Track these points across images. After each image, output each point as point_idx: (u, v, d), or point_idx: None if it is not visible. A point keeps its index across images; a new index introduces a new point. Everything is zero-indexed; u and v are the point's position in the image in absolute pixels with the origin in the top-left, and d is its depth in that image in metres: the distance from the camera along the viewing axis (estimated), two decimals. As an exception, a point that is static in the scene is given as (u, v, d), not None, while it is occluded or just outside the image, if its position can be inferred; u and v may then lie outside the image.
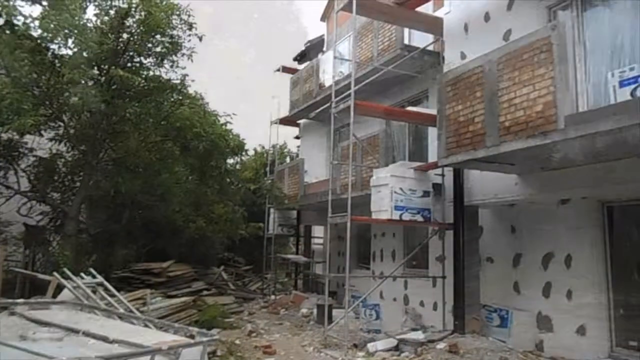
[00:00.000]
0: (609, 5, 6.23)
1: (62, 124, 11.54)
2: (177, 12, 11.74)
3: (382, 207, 7.95)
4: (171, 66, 12.35)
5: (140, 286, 10.96)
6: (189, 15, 11.90)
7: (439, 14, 9.16)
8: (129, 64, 11.51)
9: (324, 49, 15.83)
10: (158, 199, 12.90)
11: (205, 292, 12.49)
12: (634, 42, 5.85)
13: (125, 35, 11.28)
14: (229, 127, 12.83)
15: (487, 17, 7.78)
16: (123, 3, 11.21)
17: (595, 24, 6.40)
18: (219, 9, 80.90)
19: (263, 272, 16.21)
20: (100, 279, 8.16)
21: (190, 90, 12.98)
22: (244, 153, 15.03)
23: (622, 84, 4.95)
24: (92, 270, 8.44)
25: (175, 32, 11.85)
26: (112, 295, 7.75)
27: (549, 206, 7.07)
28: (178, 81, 12.35)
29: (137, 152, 11.80)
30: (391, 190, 7.86)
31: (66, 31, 10.10)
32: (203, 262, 15.02)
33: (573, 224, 6.75)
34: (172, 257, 13.16)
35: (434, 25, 9.17)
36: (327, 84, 12.61)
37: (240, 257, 18.58)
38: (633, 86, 4.85)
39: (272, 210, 15.41)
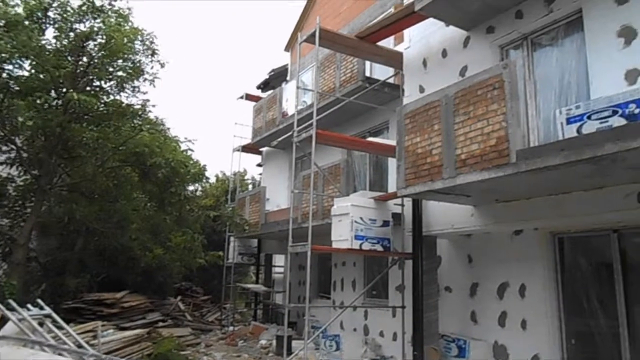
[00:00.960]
0: (556, 47, 6.59)
1: (14, 147, 11.15)
2: (141, 38, 11.69)
3: (343, 237, 7.97)
4: (132, 91, 12.22)
5: (91, 318, 10.51)
6: (152, 42, 11.86)
7: (399, 48, 9.45)
8: (88, 88, 11.30)
9: (288, 78, 16.02)
10: (114, 226, 12.53)
11: (160, 324, 12.09)
12: (579, 82, 6.19)
13: (85, 59, 11.11)
14: (190, 153, 12.70)
15: (444, 54, 8.08)
16: (85, 26, 11.08)
17: (544, 64, 6.75)
18: (185, 35, 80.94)
19: (222, 302, 15.84)
20: (48, 310, 7.78)
21: (152, 116, 12.85)
22: (205, 180, 14.87)
23: (569, 121, 5.18)
24: (39, 301, 8.04)
25: (137, 58, 11.76)
26: (61, 328, 7.40)
27: (503, 237, 7.27)
28: (139, 106, 12.22)
29: (93, 177, 11.50)
30: (352, 219, 7.91)
31: (23, 53, 9.88)
32: (160, 292, 14.57)
33: (526, 254, 6.94)
34: (127, 287, 12.72)
35: (394, 59, 9.45)
36: (290, 113, 12.72)
37: (199, 287, 18.13)
38: (579, 123, 5.09)
39: (232, 238, 15.18)
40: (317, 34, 8.87)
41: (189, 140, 12.61)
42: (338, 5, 14.02)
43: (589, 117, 5.01)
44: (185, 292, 17.06)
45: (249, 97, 16.77)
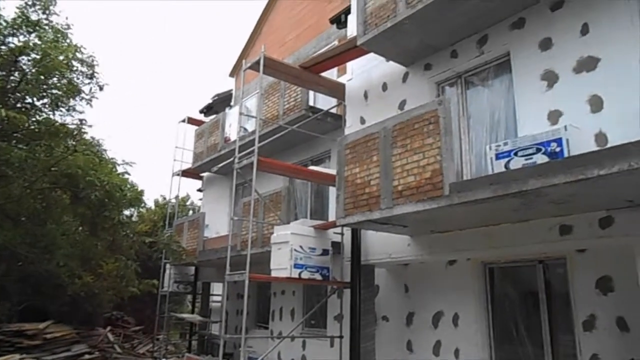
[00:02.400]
0: (488, 86, 6.99)
1: None
2: (79, 56, 11.33)
3: (282, 265, 7.90)
4: (67, 110, 11.76)
5: (10, 350, 9.77)
6: (93, 61, 11.52)
7: (342, 80, 9.68)
8: (18, 105, 10.76)
9: (232, 103, 15.96)
10: (41, 251, 11.81)
11: (87, 357, 11.42)
12: (508, 120, 6.57)
13: (17, 74, 10.61)
14: (127, 177, 12.29)
15: (385, 87, 8.35)
16: (19, 41, 10.62)
17: (477, 101, 7.12)
18: (130, 57, 79.13)
19: (155, 333, 15.16)
20: (-43, 343, 7.14)
21: (88, 136, 12.37)
22: (142, 205, 14.39)
23: (498, 157, 5.48)
24: (-51, 333, 7.38)
25: (74, 76, 11.37)
26: (-29, 363, 6.79)
27: (438, 266, 7.46)
28: (74, 126, 11.74)
29: (20, 199, 10.83)
30: (291, 247, 7.86)
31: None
32: (88, 322, 13.79)
33: (460, 283, 7.15)
34: (52, 317, 11.95)
35: (337, 90, 9.66)
36: (232, 138, 12.63)
37: (131, 317, 17.30)
38: (507, 159, 5.39)
39: (168, 265, 14.67)
40: (261, 62, 8.93)
41: (127, 163, 12.22)
42: (284, 35, 14.25)
43: (515, 154, 5.33)
44: (115, 322, 16.23)
45: (191, 121, 16.52)
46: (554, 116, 5.80)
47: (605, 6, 5.61)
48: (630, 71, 5.17)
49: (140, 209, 16.27)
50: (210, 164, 13.90)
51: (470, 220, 6.01)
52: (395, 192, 5.87)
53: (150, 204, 21.46)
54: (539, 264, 6.39)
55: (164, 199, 21.23)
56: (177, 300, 18.92)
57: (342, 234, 8.42)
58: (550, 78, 5.96)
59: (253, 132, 9.76)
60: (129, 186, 12.28)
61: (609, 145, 5.06)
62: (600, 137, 5.30)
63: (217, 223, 14.02)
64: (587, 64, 5.64)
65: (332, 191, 9.13)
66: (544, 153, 5.12)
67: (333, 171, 8.00)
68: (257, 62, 9.05)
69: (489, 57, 6.85)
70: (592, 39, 5.66)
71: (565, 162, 4.48)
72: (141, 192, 14.00)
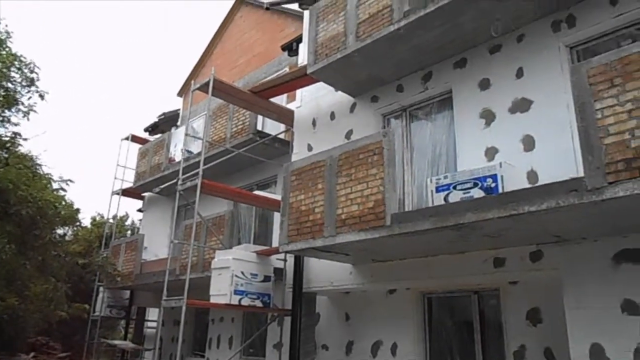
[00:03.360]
0: (430, 120, 7.26)
1: None
2: (18, 65, 10.82)
3: (222, 291, 7.72)
4: (1, 121, 11.13)
5: None
6: (32, 71, 11.04)
7: (291, 106, 9.76)
8: (-55, 114, 10.09)
9: (178, 123, 15.68)
10: (-42, 270, 10.94)
11: (5, 385, 10.56)
12: (448, 154, 6.83)
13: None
14: (63, 193, 11.69)
15: (333, 116, 8.49)
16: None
17: (420, 134, 7.37)
18: (72, 70, 76.41)
19: (83, 360, 14.29)
20: None
21: (23, 150, 11.73)
22: (77, 224, 13.71)
23: (438, 190, 5.67)
24: None
25: (11, 86, 10.83)
26: None
27: (379, 295, 7.53)
28: (7, 138, 11.11)
29: (-61, 214, 10.05)
30: (232, 273, 7.72)
31: None
32: (8, 347, 12.82)
33: (399, 313, 7.23)
34: (-34, 342, 11.02)
35: (285, 116, 9.72)
36: (177, 159, 12.37)
37: (58, 342, 16.25)
38: (446, 192, 5.59)
39: (102, 289, 13.97)
40: (211, 84, 8.88)
41: (64, 180, 11.66)
42: (235, 58, 14.26)
43: (454, 187, 5.52)
44: (40, 347, 15.19)
45: (135, 138, 16.07)
46: (491, 153, 6.09)
47: (538, 53, 6.01)
48: (559, 114, 5.54)
49: (75, 228, 15.46)
50: (153, 184, 13.53)
51: (410, 250, 6.14)
52: (338, 221, 5.92)
53: (87, 223, 20.50)
54: (474, 295, 6.59)
55: (102, 217, 20.34)
56: (109, 325, 17.98)
57: (285, 260, 8.36)
58: (488, 116, 6.28)
59: (199, 154, 9.62)
60: (64, 203, 11.68)
61: (539, 183, 5.35)
62: (532, 175, 5.60)
63: (157, 245, 13.56)
64: (522, 105, 5.99)
65: (277, 217, 9.09)
66: (480, 188, 5.34)
67: (278, 197, 7.99)
68: (207, 84, 8.99)
69: (433, 93, 7.14)
70: (526, 83, 6.03)
71: (499, 197, 4.69)
72: (77, 210, 13.35)
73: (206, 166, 8.72)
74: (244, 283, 7.83)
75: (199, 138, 10.71)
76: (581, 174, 4.15)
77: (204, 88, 9.16)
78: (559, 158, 5.40)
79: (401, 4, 6.59)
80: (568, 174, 4.90)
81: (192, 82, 10.50)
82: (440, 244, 5.68)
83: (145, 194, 15.59)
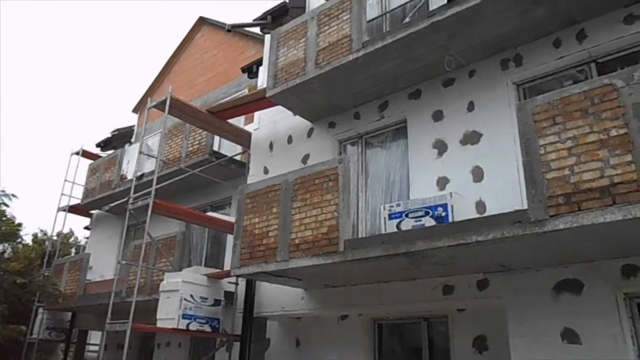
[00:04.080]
0: (386, 148, 7.41)
1: None
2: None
3: (169, 315, 7.49)
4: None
5: None
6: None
7: (249, 128, 9.74)
8: None
9: (132, 140, 15.33)
10: None
11: None
12: (402, 182, 6.97)
13: None
14: (4, 208, 11.14)
15: (290, 140, 8.53)
16: None
17: (375, 161, 7.50)
18: (23, 80, 73.63)
19: (16, 386, 13.41)
20: None
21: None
22: (18, 240, 13.05)
23: (390, 217, 5.77)
24: None
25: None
26: None
27: (330, 321, 7.49)
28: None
29: None
30: (181, 296, 7.52)
31: None
32: None
33: (350, 339, 7.20)
34: None
35: (243, 138, 9.69)
36: (129, 177, 12.05)
37: (-12, 367, 15.20)
38: (399, 220, 5.69)
39: (41, 310, 13.25)
40: (167, 102, 8.77)
41: (6, 195, 11.12)
42: (194, 77, 14.16)
43: (406, 215, 5.63)
44: (-32, 373, 14.15)
45: (85, 154, 15.52)
46: (442, 182, 6.27)
47: (488, 89, 6.29)
48: (507, 148, 5.77)
49: (15, 245, 14.67)
50: (102, 202, 13.08)
51: (362, 276, 6.18)
52: (292, 245, 5.90)
53: (29, 239, 19.49)
54: (424, 322, 6.67)
55: (45, 234, 19.40)
56: (48, 349, 16.98)
57: (236, 284, 8.23)
58: (441, 147, 6.48)
59: (152, 172, 9.42)
60: (4, 219, 11.12)
61: (487, 214, 5.54)
62: (480, 205, 5.79)
63: (103, 266, 13.04)
64: (472, 138, 6.22)
65: (230, 239, 8.96)
66: (431, 216, 5.48)
67: (232, 219, 7.90)
68: (163, 102, 8.87)
69: (388, 121, 7.32)
70: (477, 116, 6.29)
71: (449, 227, 4.82)
72: (18, 226, 12.73)
73: (159, 185, 8.54)
74: (193, 307, 7.63)
75: (153, 156, 10.49)
76: (526, 206, 4.32)
77: (160, 106, 9.02)
78: (506, 190, 5.61)
79: (360, 35, 6.77)
80: (514, 205, 5.11)
81: (149, 99, 10.33)
82: (392, 270, 5.75)
83: (94, 212, 15.03)
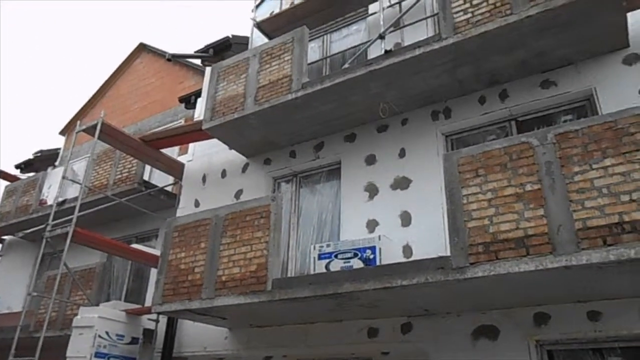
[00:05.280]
0: (319, 188, 7.50)
1: None
2: None
3: (81, 353, 6.96)
4: None
5: None
6: None
7: (182, 159, 9.55)
8: None
9: (57, 163, 14.53)
10: None
11: None
12: (333, 222, 7.04)
13: None
14: None
15: (224, 174, 8.43)
16: None
17: (308, 200, 7.55)
18: (-64, 88, 68.37)
19: None
20: None
21: None
22: None
23: (320, 257, 5.78)
24: None
25: None
26: None
27: (254, 362, 7.29)
28: None
29: None
30: (95, 333, 7.04)
31: None
32: None
33: (272, 381, 7.02)
34: None
35: (175, 169, 9.45)
36: (49, 202, 11.34)
37: None
38: (328, 260, 5.71)
39: None
40: (98, 126, 8.44)
41: None
42: (129, 103, 13.77)
43: (336, 256, 5.67)
44: None
45: (2, 175, 14.51)
46: (372, 225, 6.39)
47: (419, 137, 6.58)
48: (434, 195, 6.01)
49: None
50: (17, 227, 12.19)
51: (289, 316, 6.09)
52: (218, 282, 5.75)
53: None
54: (349, 364, 6.63)
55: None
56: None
57: (157, 321, 7.82)
58: (372, 190, 6.64)
59: (75, 199, 8.93)
60: None
61: (413, 258, 5.69)
62: (407, 249, 5.95)
63: (12, 297, 12.02)
64: (402, 183, 6.43)
65: (154, 273, 8.59)
66: (360, 258, 5.54)
67: (157, 252, 7.60)
68: (94, 126, 8.53)
69: (323, 162, 7.44)
70: (408, 163, 6.53)
71: (376, 270, 4.90)
72: None
73: (82, 213, 8.10)
74: (108, 345, 7.16)
75: (78, 182, 9.98)
76: (449, 252, 4.49)
77: (90, 130, 8.66)
78: (431, 235, 5.80)
79: (300, 76, 6.92)
80: (438, 251, 5.30)
81: (79, 122, 9.90)
82: (319, 311, 5.72)
83: (6, 237, 13.94)
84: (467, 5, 5.73)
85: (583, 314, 4.69)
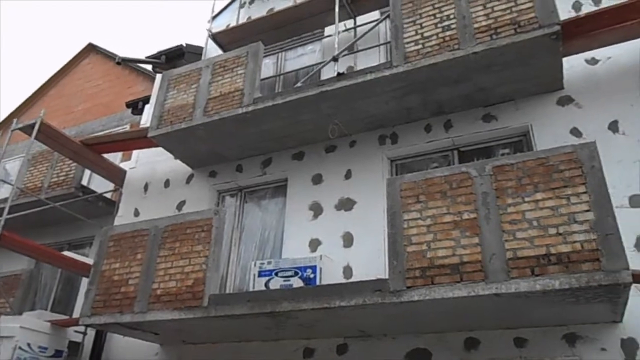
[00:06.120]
0: (264, 204, 7.45)
1: None
2: None
3: (-3, 366, 6.52)
4: None
5: None
6: None
7: (124, 165, 9.24)
8: None
9: (-13, 161, 13.68)
10: None
11: None
12: (276, 239, 7.00)
13: None
14: None
15: (167, 184, 8.23)
16: None
17: (252, 216, 7.48)
18: None
19: None
20: None
21: None
22: None
23: (260, 274, 5.71)
24: None
25: None
26: None
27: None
28: None
29: None
30: (16, 344, 6.60)
31: None
32: None
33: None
34: None
35: (116, 175, 9.12)
36: (-25, 202, 10.63)
37: None
38: (268, 278, 5.65)
39: None
40: (36, 126, 8.05)
41: None
42: (73, 104, 13.23)
43: (276, 274, 5.63)
44: None
45: None
46: (314, 244, 6.40)
47: (366, 160, 6.70)
48: (377, 218, 6.09)
49: None
50: None
51: (224, 334, 5.96)
52: (153, 296, 5.56)
53: None
54: (283, 384, 6.54)
55: None
56: None
57: (84, 334, 7.44)
58: (316, 209, 6.67)
59: (4, 200, 8.43)
60: None
61: (352, 279, 5.74)
62: (348, 270, 5.99)
63: None
64: (346, 204, 6.50)
65: (85, 283, 8.21)
66: (300, 277, 5.53)
67: (90, 261, 7.28)
68: (32, 126, 8.12)
69: (270, 178, 7.41)
70: (353, 184, 6.62)
71: (315, 290, 4.91)
72: None
73: (11, 215, 7.64)
74: (29, 357, 6.73)
75: (9, 183, 9.45)
76: (388, 275, 4.56)
77: (27, 129, 8.24)
78: (372, 257, 5.87)
79: (252, 91, 6.90)
80: (378, 273, 5.36)
81: (15, 119, 9.38)
82: (256, 330, 5.64)
83: None
84: (418, 37, 5.95)
85: (510, 341, 4.87)
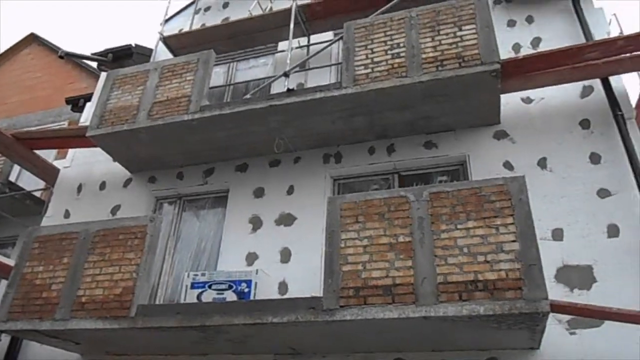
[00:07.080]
0: (203, 214, 7.31)
1: None
2: None
3: None
4: None
5: None
6: None
7: (58, 164, 8.80)
8: None
9: None
10: None
11: None
12: (213, 251, 6.86)
13: None
14: None
15: (103, 186, 7.91)
16: None
17: (190, 225, 7.31)
18: None
19: None
20: None
21: None
22: None
23: (193, 286, 5.58)
24: None
25: None
26: None
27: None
28: None
29: None
30: None
31: None
32: None
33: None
34: None
35: (48, 174, 8.66)
36: None
37: None
38: (201, 290, 5.53)
39: None
40: (-38, 115, 7.55)
41: None
42: (7, 95, 12.51)
43: (210, 287, 5.53)
44: None
45: None
46: (251, 258, 6.34)
47: (309, 177, 6.74)
48: (316, 236, 6.09)
49: None
50: None
51: (151, 346, 5.74)
52: (77, 303, 5.30)
53: None
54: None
55: None
56: None
57: (-2, 340, 6.97)
58: (256, 223, 6.62)
59: None
60: None
61: (287, 296, 5.72)
62: (283, 286, 5.96)
63: None
64: (286, 220, 6.50)
65: (4, 285, 7.70)
66: (234, 291, 5.44)
67: (11, 262, 6.84)
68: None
69: (211, 188, 7.29)
70: (294, 200, 6.63)
71: (248, 304, 4.86)
72: None
73: None
74: None
75: None
76: (322, 293, 4.58)
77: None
78: (308, 274, 5.87)
79: (200, 98, 6.80)
80: (313, 291, 5.36)
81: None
82: (184, 343, 5.48)
83: None
84: (369, 61, 6.10)
85: (436, 363, 5.01)
